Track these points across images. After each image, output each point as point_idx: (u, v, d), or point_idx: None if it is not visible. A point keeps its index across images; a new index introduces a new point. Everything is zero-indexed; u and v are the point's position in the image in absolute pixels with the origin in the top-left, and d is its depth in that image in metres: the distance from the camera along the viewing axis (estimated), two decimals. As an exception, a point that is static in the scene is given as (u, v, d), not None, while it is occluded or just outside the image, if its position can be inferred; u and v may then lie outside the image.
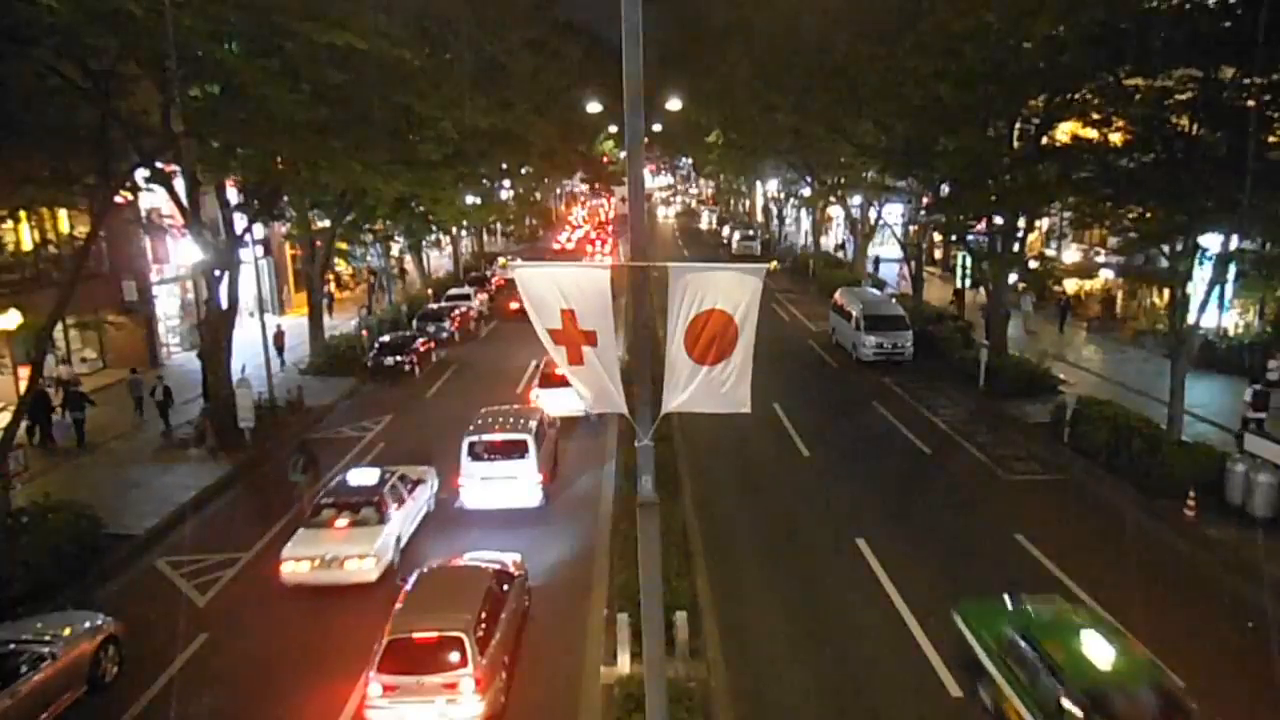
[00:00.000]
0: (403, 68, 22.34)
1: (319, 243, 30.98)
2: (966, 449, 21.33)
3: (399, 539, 15.43)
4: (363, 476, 16.07)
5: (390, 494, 15.67)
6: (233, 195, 24.31)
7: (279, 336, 30.04)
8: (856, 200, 46.45)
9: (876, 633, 13.23)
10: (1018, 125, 24.52)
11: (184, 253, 30.09)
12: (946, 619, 13.34)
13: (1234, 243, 18.35)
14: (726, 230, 75.45)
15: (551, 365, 23.77)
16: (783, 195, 64.53)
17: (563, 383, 22.80)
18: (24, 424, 21.15)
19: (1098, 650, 10.11)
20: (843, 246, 61.04)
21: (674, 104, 55.49)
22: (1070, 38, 18.47)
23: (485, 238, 65.90)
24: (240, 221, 24.10)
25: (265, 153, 20.43)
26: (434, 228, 41.56)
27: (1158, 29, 16.69)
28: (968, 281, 37.55)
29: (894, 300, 33.44)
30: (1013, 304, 27.34)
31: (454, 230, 48.95)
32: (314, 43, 17.22)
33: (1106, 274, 35.71)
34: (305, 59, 18.26)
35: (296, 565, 14.37)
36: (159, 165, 20.69)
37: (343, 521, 14.94)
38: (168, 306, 32.95)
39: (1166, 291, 21.50)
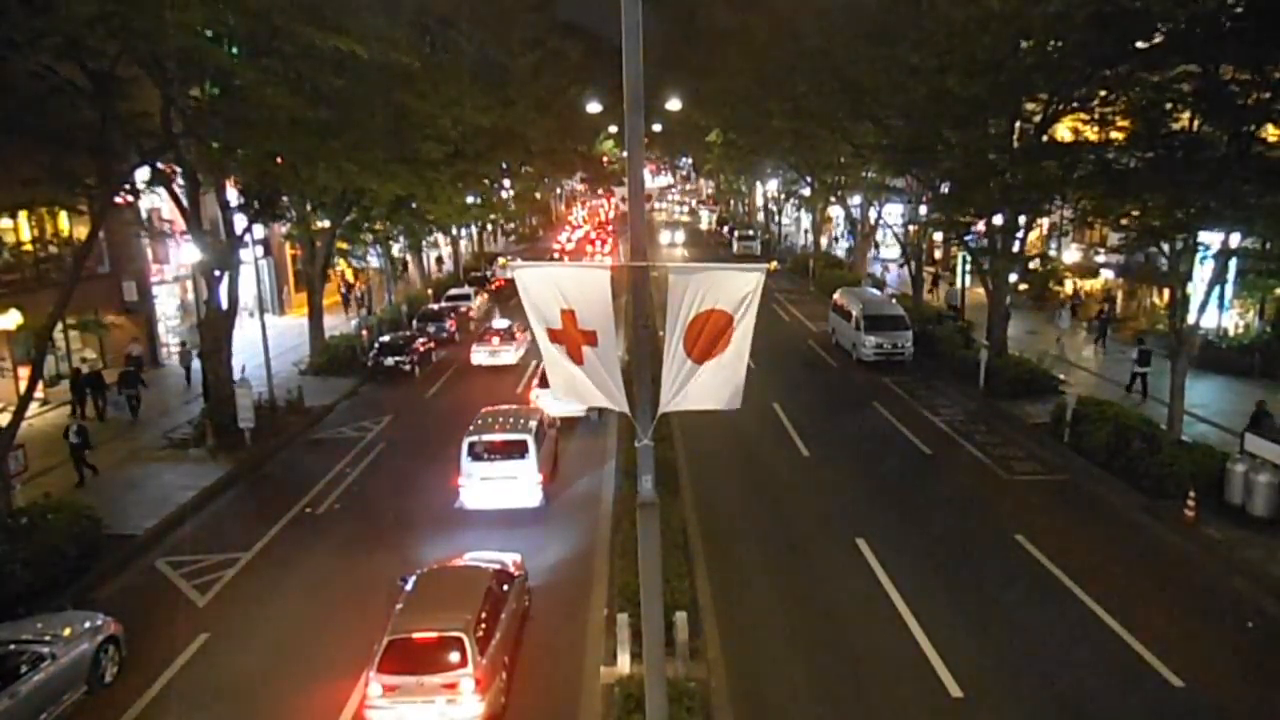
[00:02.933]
0: (402, 69, 22.31)
1: (319, 243, 30.99)
2: (966, 449, 21.33)
3: (520, 350, 30.78)
4: (500, 322, 32.61)
5: (515, 330, 31.32)
6: (233, 196, 24.31)
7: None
8: (856, 200, 46.51)
9: (876, 633, 13.21)
10: (1018, 124, 24.54)
11: (184, 253, 30.09)
12: (946, 618, 13.39)
13: (1234, 240, 18.37)
14: (726, 230, 75.41)
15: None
16: (783, 195, 64.58)
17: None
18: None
19: None
20: (836, 240, 61.11)
21: (674, 104, 55.59)
22: (1078, 16, 18.44)
23: (487, 236, 65.88)
24: (240, 222, 24.10)
25: (264, 153, 20.45)
26: (433, 228, 41.60)
27: (1161, 14, 16.75)
28: (967, 280, 37.55)
29: (894, 300, 33.46)
30: (1015, 305, 27.31)
31: (454, 230, 48.93)
32: (314, 46, 17.19)
33: (1106, 274, 35.71)
34: (305, 62, 18.25)
35: (479, 355, 30.54)
36: (159, 166, 20.71)
37: (496, 340, 30.90)
38: (167, 307, 32.98)
39: (1166, 291, 21.51)
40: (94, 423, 23.59)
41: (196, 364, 26.19)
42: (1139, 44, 17.94)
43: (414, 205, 32.72)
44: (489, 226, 62.21)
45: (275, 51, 18.11)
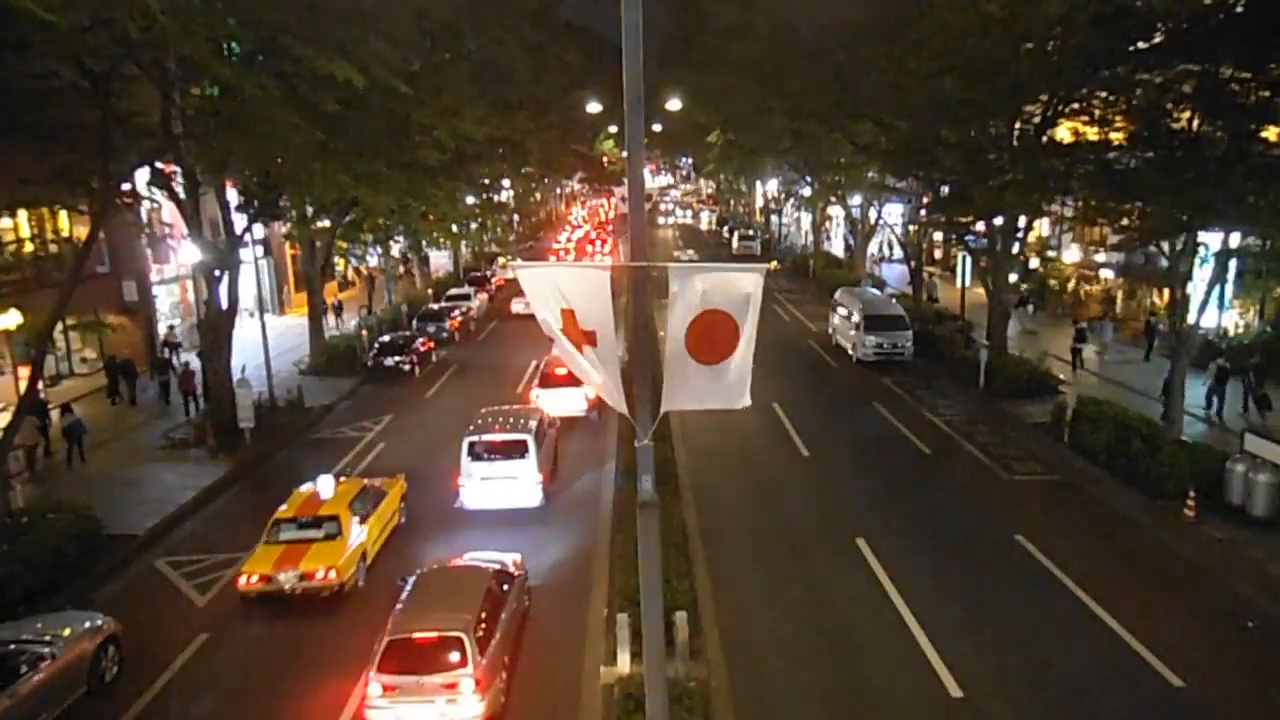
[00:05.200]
0: (404, 78, 22.26)
1: (319, 243, 30.97)
2: (966, 449, 21.33)
3: None
4: None
5: None
6: (233, 196, 24.30)
7: (187, 376, 25.09)
8: (856, 200, 46.51)
9: (876, 632, 13.22)
10: (1017, 125, 24.52)
11: (184, 253, 30.08)
12: (946, 618, 13.39)
13: (1234, 239, 18.38)
14: (726, 230, 75.40)
15: (551, 365, 23.78)
16: (783, 195, 64.53)
17: (562, 383, 22.87)
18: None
19: None
20: (829, 240, 61.10)
21: (674, 104, 55.48)
22: (1079, 18, 18.43)
23: (487, 236, 65.77)
24: (240, 222, 24.08)
25: (263, 156, 20.42)
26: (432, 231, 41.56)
27: (1161, 12, 16.77)
28: (966, 280, 37.53)
29: (894, 300, 33.45)
30: (1018, 308, 27.22)
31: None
32: (315, 71, 17.21)
33: (1106, 274, 35.69)
34: (305, 82, 18.24)
35: (517, 306, 38.55)
36: (159, 166, 20.68)
37: (521, 302, 35.71)
38: (165, 306, 32.96)
39: (1166, 292, 21.50)
40: (126, 406, 25.83)
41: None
42: (1139, 44, 17.95)
43: (411, 207, 32.70)
44: (488, 233, 62.13)
45: (277, 67, 18.04)
